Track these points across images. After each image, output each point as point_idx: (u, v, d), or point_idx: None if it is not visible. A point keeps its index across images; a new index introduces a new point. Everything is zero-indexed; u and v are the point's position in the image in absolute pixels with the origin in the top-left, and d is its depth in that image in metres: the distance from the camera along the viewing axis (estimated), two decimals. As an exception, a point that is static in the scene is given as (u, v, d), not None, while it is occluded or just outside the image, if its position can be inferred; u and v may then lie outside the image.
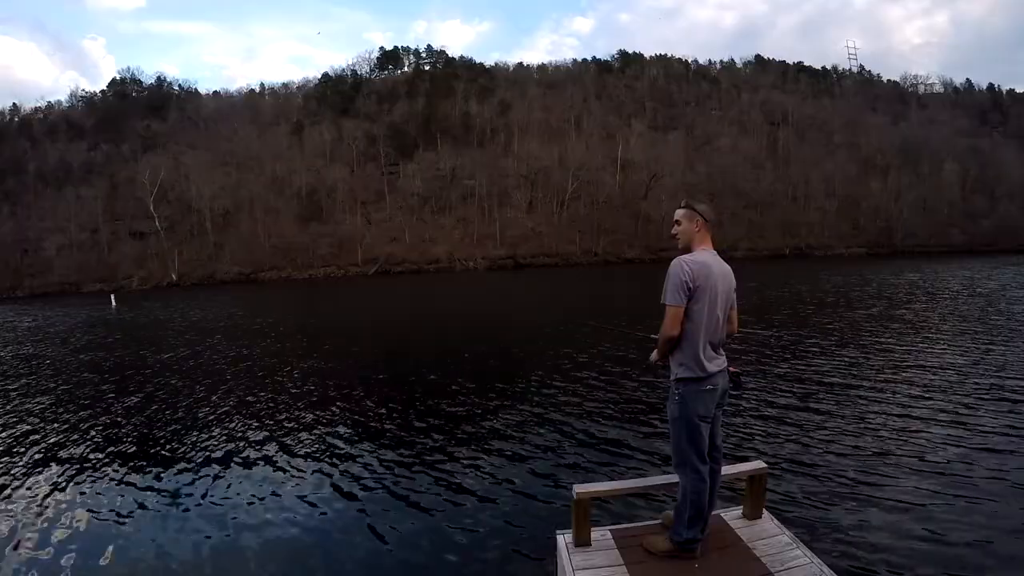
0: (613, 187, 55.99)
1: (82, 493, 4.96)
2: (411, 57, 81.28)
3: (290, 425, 6.70)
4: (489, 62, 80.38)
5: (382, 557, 3.73)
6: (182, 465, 5.53)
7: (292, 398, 7.99)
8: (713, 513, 2.82)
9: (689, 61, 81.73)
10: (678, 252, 2.65)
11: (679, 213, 2.66)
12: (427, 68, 77.96)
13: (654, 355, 2.68)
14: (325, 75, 77.20)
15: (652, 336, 2.72)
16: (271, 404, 7.71)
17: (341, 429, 6.46)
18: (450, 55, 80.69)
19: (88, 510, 4.61)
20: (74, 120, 66.42)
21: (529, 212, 55.57)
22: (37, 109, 69.88)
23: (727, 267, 2.64)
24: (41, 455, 6.00)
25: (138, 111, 67.02)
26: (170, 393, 8.61)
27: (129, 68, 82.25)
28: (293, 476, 5.15)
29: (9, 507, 4.72)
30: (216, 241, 52.22)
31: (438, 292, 29.52)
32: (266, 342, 13.52)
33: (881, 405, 6.31)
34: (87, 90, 73.46)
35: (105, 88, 72.72)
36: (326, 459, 5.54)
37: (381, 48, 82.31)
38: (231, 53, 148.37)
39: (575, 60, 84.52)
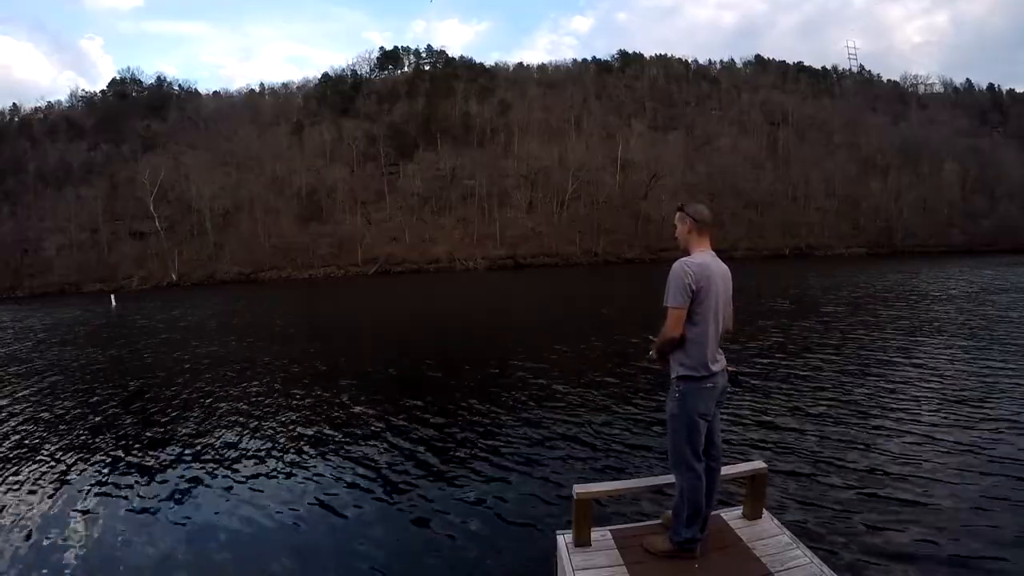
0: (613, 187, 55.94)
1: (74, 491, 4.96)
2: (411, 57, 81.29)
3: (288, 425, 6.70)
4: (489, 62, 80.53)
5: (380, 557, 3.73)
6: (178, 464, 5.53)
7: (290, 398, 7.99)
8: (713, 513, 2.83)
9: (689, 61, 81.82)
10: (679, 252, 2.67)
11: (676, 217, 2.73)
12: (427, 68, 77.93)
13: (652, 354, 2.69)
14: (325, 75, 77.25)
15: (651, 337, 2.73)
16: (269, 403, 7.71)
17: (338, 428, 6.46)
18: (450, 55, 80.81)
19: (79, 509, 4.62)
20: (74, 120, 66.39)
21: (529, 212, 55.53)
22: (37, 109, 69.95)
23: (725, 267, 2.67)
24: (34, 454, 6.00)
25: (138, 111, 66.99)
26: (168, 392, 8.60)
27: (129, 68, 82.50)
28: (290, 476, 5.15)
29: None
30: (216, 241, 52.20)
31: (438, 292, 29.51)
32: (265, 342, 13.52)
33: (881, 405, 6.31)
34: (86, 90, 73.61)
35: (105, 88, 72.80)
36: (324, 458, 5.54)
37: (381, 48, 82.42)
38: (229, 53, 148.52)
39: (575, 60, 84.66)
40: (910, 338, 10.26)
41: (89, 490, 5.01)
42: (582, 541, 2.79)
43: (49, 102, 71.01)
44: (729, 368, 2.71)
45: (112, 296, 34.52)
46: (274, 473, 5.25)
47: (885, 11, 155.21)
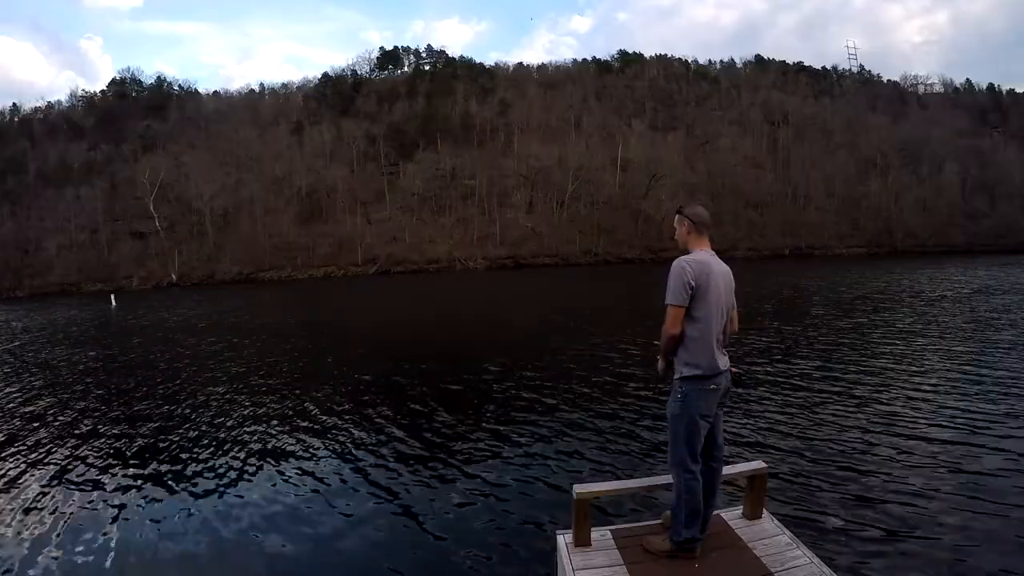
0: (613, 187, 56.00)
1: (75, 491, 4.96)
2: (411, 57, 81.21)
3: (287, 425, 6.70)
4: (488, 62, 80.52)
5: (379, 557, 3.73)
6: (177, 465, 5.53)
7: (290, 398, 7.98)
8: (713, 513, 2.82)
9: (689, 61, 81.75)
10: (679, 253, 2.68)
11: (675, 219, 2.75)
12: (427, 68, 77.93)
13: (660, 363, 2.69)
14: (325, 75, 77.19)
15: (655, 342, 2.72)
16: (266, 403, 7.70)
17: (339, 429, 6.46)
18: (450, 55, 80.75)
19: (80, 509, 4.61)
20: (74, 120, 66.43)
21: (529, 212, 55.58)
22: (37, 109, 70.02)
23: (726, 267, 2.67)
24: (35, 455, 6.00)
25: (138, 111, 67.00)
26: (168, 392, 8.60)
27: (129, 68, 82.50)
28: (289, 476, 5.14)
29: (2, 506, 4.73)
30: (216, 241, 52.26)
31: (438, 292, 29.52)
32: (265, 342, 13.52)
33: (881, 406, 6.31)
34: (86, 90, 73.59)
35: (105, 88, 72.87)
36: (323, 459, 5.54)
37: (381, 48, 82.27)
38: (228, 53, 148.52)
39: (575, 60, 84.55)
40: (909, 339, 10.27)
41: (73, 488, 5.01)
42: (582, 541, 2.78)
43: (49, 102, 71.23)
44: (733, 369, 2.70)
45: (112, 296, 34.56)
46: (271, 473, 5.24)
47: (885, 11, 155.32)
